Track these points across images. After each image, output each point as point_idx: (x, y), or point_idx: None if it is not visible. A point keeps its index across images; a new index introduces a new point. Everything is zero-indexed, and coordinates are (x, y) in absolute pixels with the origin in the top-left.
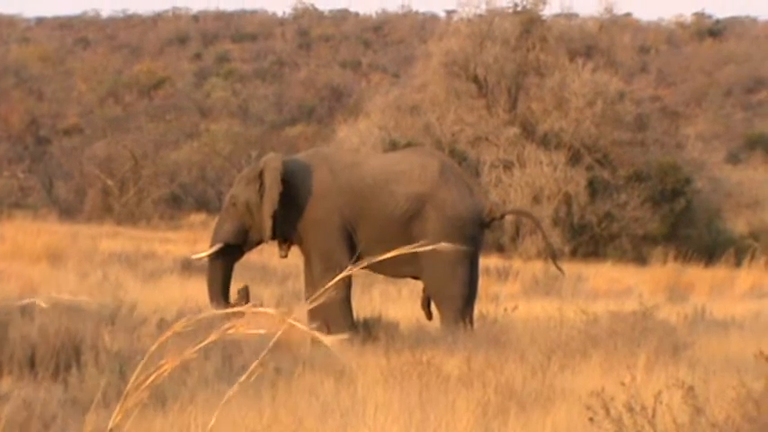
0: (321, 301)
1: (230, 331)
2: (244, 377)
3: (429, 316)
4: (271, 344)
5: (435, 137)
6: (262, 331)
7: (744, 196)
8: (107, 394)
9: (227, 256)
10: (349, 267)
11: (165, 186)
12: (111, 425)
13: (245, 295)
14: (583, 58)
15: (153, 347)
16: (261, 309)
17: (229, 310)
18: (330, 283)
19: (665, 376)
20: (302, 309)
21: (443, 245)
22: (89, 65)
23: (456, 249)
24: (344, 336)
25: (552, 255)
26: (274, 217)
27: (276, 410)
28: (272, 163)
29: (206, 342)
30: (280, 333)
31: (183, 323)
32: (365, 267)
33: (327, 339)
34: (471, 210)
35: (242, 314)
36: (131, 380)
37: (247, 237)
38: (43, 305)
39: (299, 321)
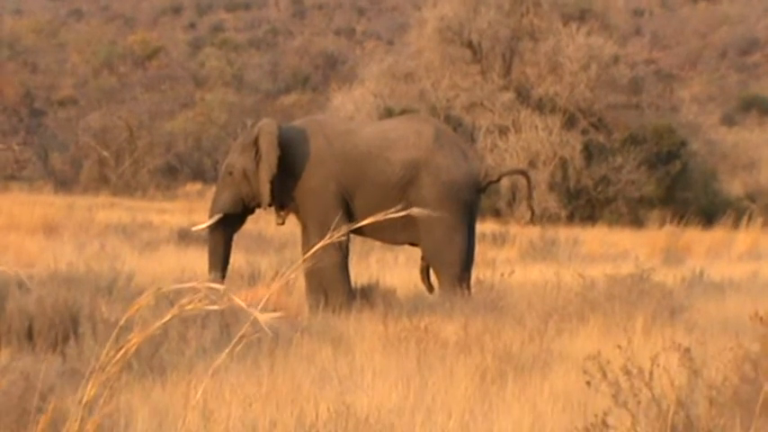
0: (319, 267)
1: (188, 307)
2: (234, 344)
3: (430, 289)
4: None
5: (430, 103)
6: (215, 307)
7: (739, 158)
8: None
9: (226, 226)
10: (341, 229)
11: (160, 156)
12: (85, 399)
13: None
14: (577, 22)
15: (122, 321)
16: (211, 285)
17: (183, 285)
18: (320, 244)
19: (662, 339)
20: (297, 273)
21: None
22: (83, 36)
23: (453, 215)
24: (277, 315)
25: (531, 208)
26: (272, 182)
27: (274, 378)
28: (268, 128)
29: (166, 319)
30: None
31: (147, 297)
32: (362, 234)
33: (263, 317)
34: (467, 175)
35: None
36: (102, 355)
37: (245, 205)
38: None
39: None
